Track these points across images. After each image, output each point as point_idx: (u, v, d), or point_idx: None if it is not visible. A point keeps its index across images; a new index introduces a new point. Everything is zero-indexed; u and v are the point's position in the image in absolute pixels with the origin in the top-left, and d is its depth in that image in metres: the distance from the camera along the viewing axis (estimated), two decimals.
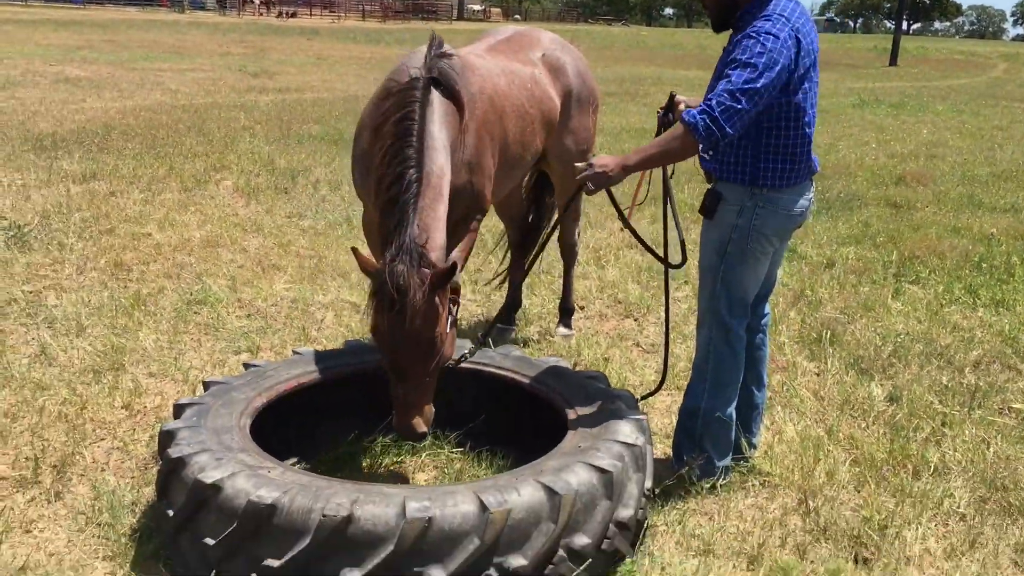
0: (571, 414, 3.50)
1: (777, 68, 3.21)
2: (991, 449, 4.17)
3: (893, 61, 44.86)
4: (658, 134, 3.86)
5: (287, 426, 3.73)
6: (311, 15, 69.07)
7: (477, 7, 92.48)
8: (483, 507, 2.78)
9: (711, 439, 3.75)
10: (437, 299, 3.32)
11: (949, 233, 8.21)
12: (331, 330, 5.39)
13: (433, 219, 3.53)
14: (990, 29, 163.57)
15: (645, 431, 3.38)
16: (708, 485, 3.71)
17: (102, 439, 4.00)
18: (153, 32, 36.30)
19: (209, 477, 2.89)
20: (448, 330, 3.43)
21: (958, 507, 3.69)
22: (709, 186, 3.66)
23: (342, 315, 5.63)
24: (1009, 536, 3.50)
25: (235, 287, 6.02)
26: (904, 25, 57.64)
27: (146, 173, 9.30)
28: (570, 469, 3.00)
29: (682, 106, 3.88)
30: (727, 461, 3.82)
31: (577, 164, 3.55)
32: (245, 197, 8.66)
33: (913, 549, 3.39)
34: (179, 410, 3.41)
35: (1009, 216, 9.13)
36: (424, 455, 3.93)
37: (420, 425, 3.38)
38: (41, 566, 3.11)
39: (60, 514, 3.44)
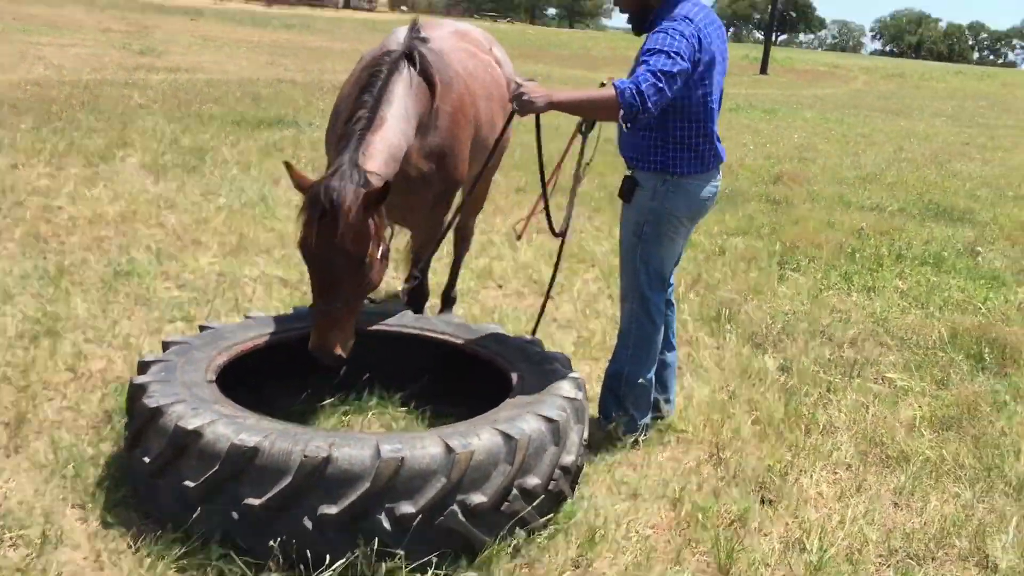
0: (514, 374, 3.84)
1: (686, 60, 3.61)
2: (870, 411, 4.74)
3: (763, 70, 47.00)
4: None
5: (242, 386, 3.93)
6: None
7: None
8: (449, 449, 3.08)
9: (633, 400, 4.17)
10: (372, 222, 3.40)
11: (824, 227, 8.95)
12: (263, 302, 5.56)
13: (379, 148, 3.61)
14: (850, 43, 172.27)
15: (582, 388, 3.75)
16: (632, 440, 4.13)
17: (51, 399, 4.10)
18: (26, 5, 34.63)
19: (190, 424, 3.08)
20: (379, 257, 3.53)
21: (845, 458, 4.21)
22: (627, 173, 4.05)
23: (272, 288, 5.81)
24: (888, 482, 4.04)
25: (160, 260, 6.11)
26: (772, 36, 60.20)
27: (45, 148, 9.13)
28: (522, 418, 3.34)
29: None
30: (647, 419, 4.25)
31: (511, 85, 3.68)
32: (153, 174, 8.64)
33: (809, 492, 3.88)
34: (144, 367, 3.57)
35: (875, 214, 9.97)
36: (370, 414, 4.19)
37: (337, 348, 3.45)
38: (11, 513, 3.24)
39: (23, 467, 3.55)
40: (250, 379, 3.98)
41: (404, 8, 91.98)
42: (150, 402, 3.24)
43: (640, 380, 4.16)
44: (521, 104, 3.54)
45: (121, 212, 7.17)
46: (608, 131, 4.10)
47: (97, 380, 4.32)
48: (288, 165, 3.50)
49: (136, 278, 5.71)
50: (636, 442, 4.14)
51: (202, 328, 4.04)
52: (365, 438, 3.11)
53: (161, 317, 5.17)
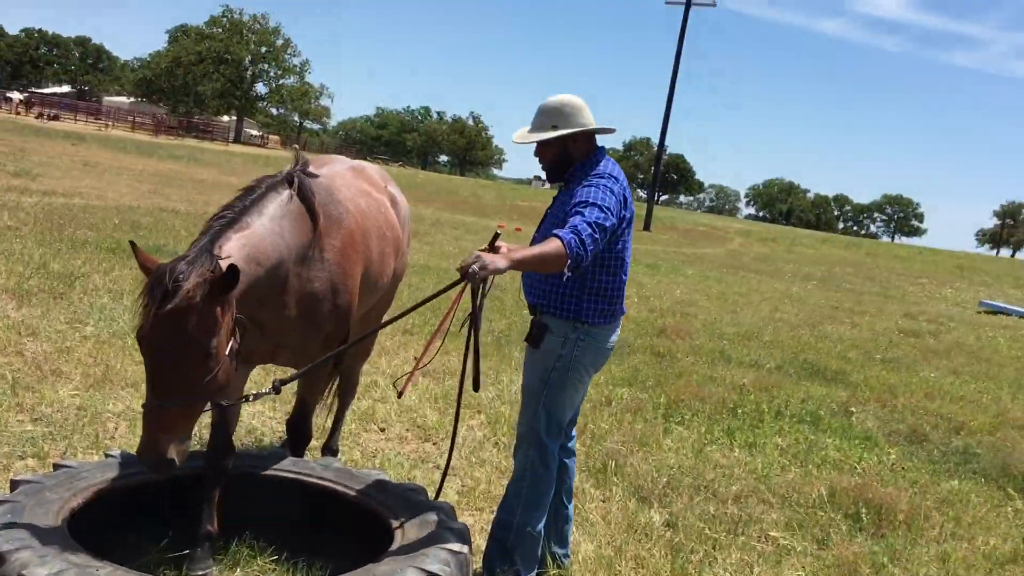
0: (395, 523, 3.64)
1: (615, 216, 3.69)
2: (754, 571, 4.68)
3: (647, 227, 49.01)
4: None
5: (100, 532, 3.60)
6: (75, 120, 66.25)
7: (255, 132, 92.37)
8: None
9: (521, 552, 4.00)
10: (219, 310, 3.10)
11: (707, 381, 9.09)
12: (125, 439, 5.20)
13: (237, 243, 3.36)
14: (727, 206, 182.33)
15: (467, 540, 3.58)
16: None
17: None
18: None
19: (35, 574, 2.78)
20: (226, 354, 3.18)
21: None
22: (533, 317, 4.03)
23: (136, 425, 5.45)
24: None
25: (15, 391, 5.69)
26: (655, 195, 63.23)
27: None
28: (402, 572, 3.14)
29: (503, 248, 4.30)
30: (534, 575, 4.07)
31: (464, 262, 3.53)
32: (16, 299, 8.18)
33: None
34: None
35: (754, 370, 10.22)
36: (238, 569, 3.88)
37: (170, 451, 3.05)
38: None
39: None
40: (110, 524, 3.67)
41: (296, 146, 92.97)
42: None
43: (530, 530, 4.01)
44: (483, 270, 3.40)
45: None
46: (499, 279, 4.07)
47: None
48: (134, 245, 3.17)
49: None
50: None
51: (56, 466, 3.72)
52: None
53: (11, 453, 4.76)
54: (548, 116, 3.95)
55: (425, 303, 3.84)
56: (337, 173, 4.58)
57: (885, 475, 6.69)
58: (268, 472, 4.05)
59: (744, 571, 4.66)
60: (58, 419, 5.36)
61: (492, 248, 4.32)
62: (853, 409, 8.70)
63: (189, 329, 3.00)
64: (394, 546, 3.44)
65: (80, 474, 3.63)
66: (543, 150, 4.02)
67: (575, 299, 3.89)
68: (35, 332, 7.17)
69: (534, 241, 4.07)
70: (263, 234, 3.50)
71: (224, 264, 3.12)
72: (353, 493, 3.93)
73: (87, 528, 3.48)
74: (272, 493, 3.96)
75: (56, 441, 5.00)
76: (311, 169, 4.05)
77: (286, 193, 3.71)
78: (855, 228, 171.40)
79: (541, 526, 4.05)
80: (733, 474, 6.26)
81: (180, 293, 2.96)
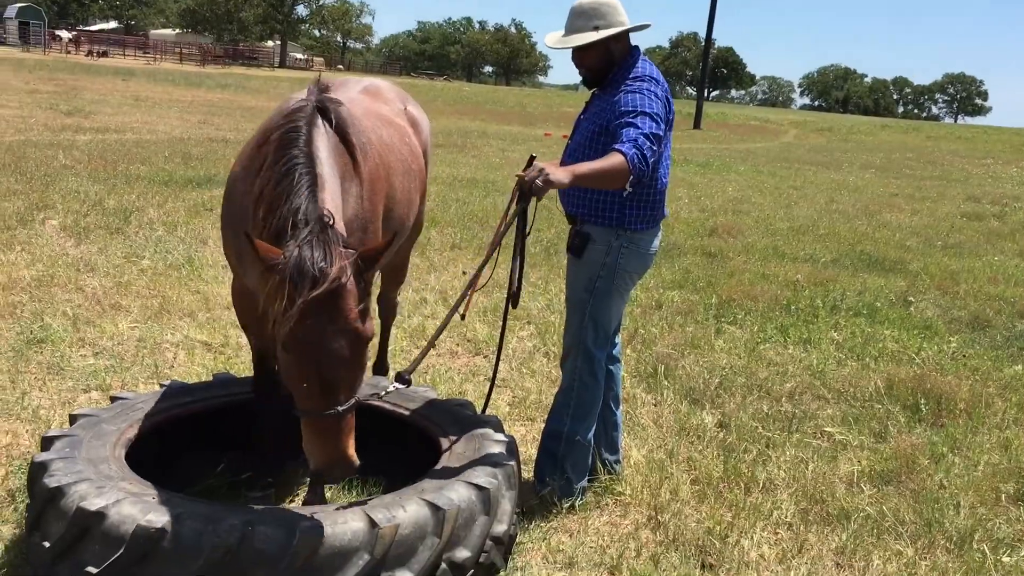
0: (443, 439, 3.69)
1: (662, 121, 3.61)
2: (809, 467, 4.66)
3: (697, 125, 47.94)
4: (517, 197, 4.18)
5: (156, 458, 3.72)
6: (124, 55, 66.61)
7: (300, 55, 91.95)
8: (372, 524, 2.92)
9: (571, 461, 4.03)
10: (363, 290, 2.79)
11: (759, 279, 8.98)
12: (184, 368, 5.34)
13: (332, 204, 2.97)
14: (780, 98, 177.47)
15: (514, 452, 3.62)
16: (567, 504, 3.99)
17: None
18: None
19: (92, 505, 2.87)
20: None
21: (785, 517, 4.11)
22: (573, 227, 3.97)
23: (194, 353, 5.58)
24: (830, 541, 3.95)
25: (77, 326, 5.85)
26: (704, 92, 61.62)
27: None
28: (451, 487, 3.19)
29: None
30: (584, 482, 4.11)
31: (520, 174, 3.38)
32: (74, 237, 8.35)
33: (751, 555, 3.77)
34: (48, 443, 3.35)
35: (809, 265, 10.06)
36: (297, 488, 3.99)
37: (355, 454, 2.83)
38: None
39: None
40: (166, 452, 3.79)
41: (340, 67, 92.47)
42: (51, 481, 3.03)
43: (580, 439, 4.04)
44: (545, 185, 3.26)
45: (37, 276, 6.88)
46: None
47: (1, 457, 4.05)
48: (249, 237, 2.73)
49: (50, 345, 5.44)
50: (572, 507, 4.00)
51: (113, 399, 3.83)
52: (283, 515, 2.92)
53: (75, 387, 4.91)
54: (586, 17, 3.77)
55: (504, 229, 3.75)
56: (354, 99, 4.10)
57: (945, 364, 6.58)
58: None
59: (799, 468, 4.65)
60: (119, 351, 5.51)
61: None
62: (912, 299, 8.54)
63: (355, 322, 2.68)
64: (442, 461, 3.49)
65: (136, 405, 3.73)
66: (584, 55, 3.83)
67: (617, 206, 3.81)
68: (94, 268, 7.33)
69: (569, 149, 3.99)
70: (336, 189, 3.14)
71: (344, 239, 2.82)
72: (403, 411, 3.98)
73: (145, 456, 3.61)
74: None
75: (117, 373, 5.14)
76: (333, 94, 3.66)
77: (323, 127, 3.29)
78: (915, 111, 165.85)
79: (591, 435, 4.07)
80: (787, 371, 6.22)
81: (338, 286, 2.62)
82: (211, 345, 5.76)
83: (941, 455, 4.91)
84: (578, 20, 3.79)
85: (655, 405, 5.43)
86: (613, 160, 3.38)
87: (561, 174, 3.31)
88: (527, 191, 3.35)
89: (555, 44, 3.85)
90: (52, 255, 7.57)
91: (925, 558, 3.84)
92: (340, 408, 2.74)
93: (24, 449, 4.11)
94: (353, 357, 2.71)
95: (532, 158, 4.17)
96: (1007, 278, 10.18)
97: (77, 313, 6.09)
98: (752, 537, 3.90)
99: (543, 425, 4.27)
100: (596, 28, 3.74)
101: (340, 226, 2.89)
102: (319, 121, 3.25)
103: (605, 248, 3.86)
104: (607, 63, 3.82)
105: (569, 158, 3.92)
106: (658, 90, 3.71)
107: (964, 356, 6.80)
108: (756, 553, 3.79)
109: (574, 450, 4.03)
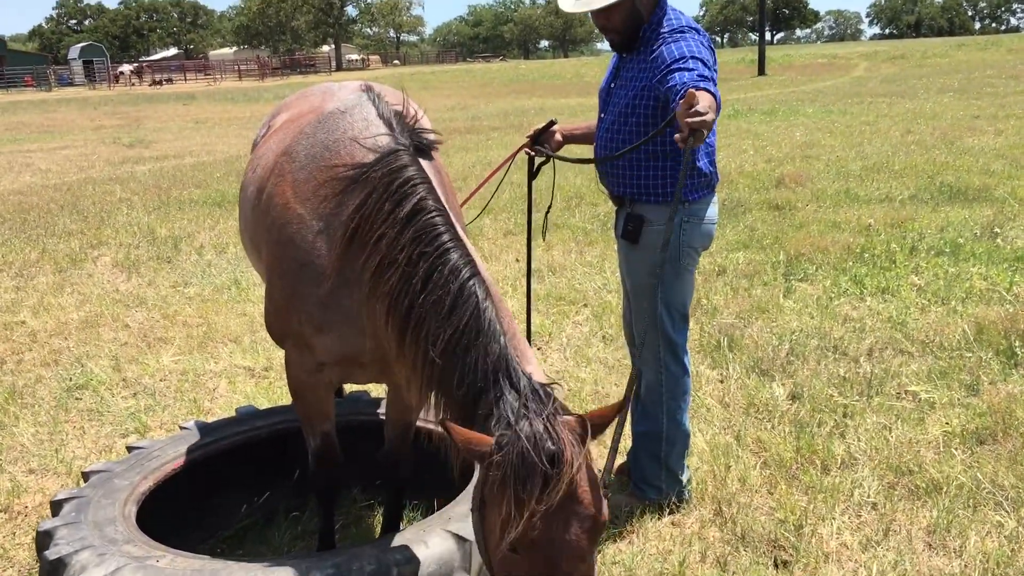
0: None
1: (711, 69, 3.22)
2: (893, 434, 4.23)
3: (761, 71, 46.55)
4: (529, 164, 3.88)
5: (183, 505, 3.53)
6: (186, 80, 68.10)
7: (355, 56, 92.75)
8: (389, 566, 2.65)
9: (675, 456, 3.71)
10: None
11: (830, 228, 8.43)
12: (225, 399, 5.17)
13: (523, 344, 2.44)
14: (848, 31, 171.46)
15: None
16: (639, 508, 3.67)
17: None
18: (19, 114, 35.11)
19: (94, 575, 2.68)
20: None
21: (868, 496, 3.71)
22: (623, 210, 3.61)
23: (236, 382, 5.41)
24: (920, 519, 3.54)
25: (118, 366, 5.74)
26: (768, 36, 59.78)
27: (17, 259, 8.86)
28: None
29: (558, 135, 3.90)
30: (687, 470, 3.79)
31: (681, 112, 2.69)
32: (126, 271, 8.32)
33: (830, 545, 3.39)
34: (57, 507, 3.18)
35: (884, 206, 9.44)
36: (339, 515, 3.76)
37: None
38: None
39: None
40: (191, 495, 3.59)
41: (396, 62, 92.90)
42: (51, 553, 2.84)
43: (679, 431, 3.71)
44: (706, 131, 2.70)
45: (85, 318, 6.82)
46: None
47: (33, 518, 3.92)
48: (447, 425, 2.21)
49: (90, 390, 5.34)
50: (630, 510, 3.67)
51: (129, 449, 3.65)
52: (294, 567, 2.67)
53: (113, 432, 4.78)
54: None
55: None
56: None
57: None
58: (344, 417, 3.87)
59: (881, 436, 4.22)
60: (160, 388, 5.37)
61: (547, 132, 3.93)
62: (998, 229, 7.89)
63: (589, 506, 2.15)
64: (474, 480, 3.19)
65: (151, 454, 3.54)
66: (609, 16, 3.41)
67: (671, 178, 3.42)
68: (142, 301, 7.26)
69: (605, 123, 3.59)
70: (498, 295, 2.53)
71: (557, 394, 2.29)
72: (435, 425, 3.70)
73: (179, 499, 3.44)
74: (351, 438, 3.78)
75: (156, 412, 5.00)
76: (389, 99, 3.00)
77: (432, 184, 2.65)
78: (993, 25, 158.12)
79: (687, 421, 3.73)
80: (865, 326, 5.75)
81: (569, 473, 2.07)
82: (253, 370, 5.59)
83: None
84: None
85: (720, 382, 5.04)
86: (711, 98, 2.83)
87: (709, 113, 2.69)
88: (699, 131, 2.69)
89: (573, 8, 3.42)
90: (101, 294, 7.52)
91: None
92: None
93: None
94: (591, 547, 2.18)
95: (552, 122, 3.85)
96: None
97: (119, 352, 5.99)
98: (831, 523, 3.52)
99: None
100: None
101: (535, 369, 2.36)
102: (417, 160, 2.66)
103: (664, 227, 3.47)
104: (635, 21, 3.39)
105: (607, 133, 3.55)
106: (703, 40, 3.32)
107: None
108: (836, 542, 3.41)
109: (676, 444, 3.70)
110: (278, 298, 2.82)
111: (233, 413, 4.57)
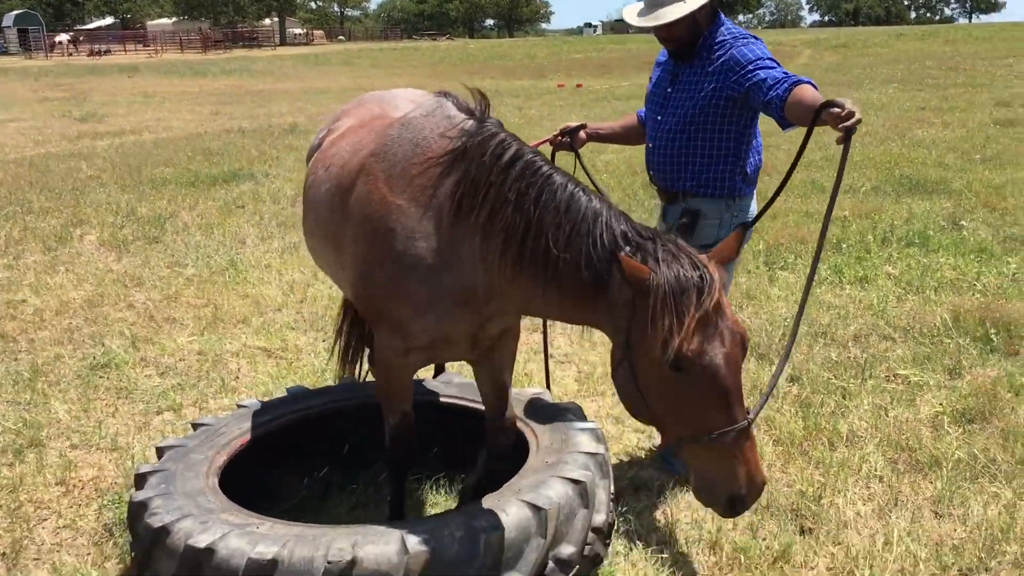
0: (527, 432, 3.66)
1: None
2: (890, 414, 4.61)
3: None
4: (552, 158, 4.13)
5: (244, 481, 3.73)
6: (125, 51, 66.51)
7: (298, 31, 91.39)
8: (477, 532, 2.91)
9: None
10: None
11: (805, 219, 8.84)
12: (249, 378, 5.35)
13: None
14: (789, 18, 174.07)
15: (602, 439, 3.58)
16: (657, 483, 3.97)
17: (46, 519, 3.87)
18: None
19: (200, 541, 2.87)
20: None
21: (875, 471, 4.07)
22: (677, 205, 3.84)
23: (256, 362, 5.59)
24: (924, 490, 3.91)
25: (136, 345, 5.87)
26: None
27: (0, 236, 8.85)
28: (547, 484, 3.16)
29: (582, 134, 4.16)
30: None
31: (836, 110, 2.87)
32: (115, 251, 8.38)
33: (847, 514, 3.74)
34: (142, 479, 3.36)
35: (850, 197, 9.89)
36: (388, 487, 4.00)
37: None
38: None
39: None
40: (251, 471, 3.80)
41: (341, 37, 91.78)
42: (154, 521, 3.03)
43: None
44: (859, 121, 2.89)
45: (88, 297, 6.91)
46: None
47: (90, 491, 4.09)
48: (614, 253, 2.54)
49: (114, 369, 5.47)
50: (661, 485, 3.98)
51: (195, 426, 3.83)
52: (389, 532, 2.91)
53: (147, 409, 4.94)
54: None
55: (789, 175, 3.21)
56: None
57: (1008, 288, 6.47)
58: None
59: (879, 416, 4.60)
60: (182, 368, 5.53)
61: (573, 136, 4.18)
62: (964, 223, 8.37)
63: (736, 321, 2.52)
64: (531, 456, 3.46)
65: (219, 430, 3.73)
66: (673, 28, 3.62)
67: (729, 175, 3.69)
68: (140, 281, 7.35)
69: (664, 128, 3.79)
70: None
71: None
72: (478, 405, 3.96)
73: (233, 479, 3.63)
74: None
75: (185, 391, 5.16)
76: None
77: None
78: (928, 15, 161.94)
79: None
80: (848, 313, 6.14)
81: (718, 283, 2.46)
82: (271, 351, 5.77)
83: (1021, 386, 4.83)
84: None
85: None
86: (815, 91, 3.17)
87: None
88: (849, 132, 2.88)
89: (643, 23, 3.62)
90: (97, 273, 7.59)
91: None
92: (748, 422, 2.51)
93: (111, 481, 4.14)
94: (741, 363, 2.53)
95: (583, 125, 4.07)
96: None
97: (134, 332, 6.11)
98: (845, 495, 3.87)
99: (614, 400, 4.22)
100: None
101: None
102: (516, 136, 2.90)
103: (718, 222, 3.72)
104: (696, 32, 3.64)
105: (668, 134, 3.77)
106: (764, 45, 3.61)
107: None
108: (852, 511, 3.76)
109: None
110: (380, 285, 3.00)
111: (273, 392, 4.79)
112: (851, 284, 6.79)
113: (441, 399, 4.09)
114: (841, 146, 2.87)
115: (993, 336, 5.49)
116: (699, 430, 2.49)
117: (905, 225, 8.37)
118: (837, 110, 2.86)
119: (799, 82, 3.27)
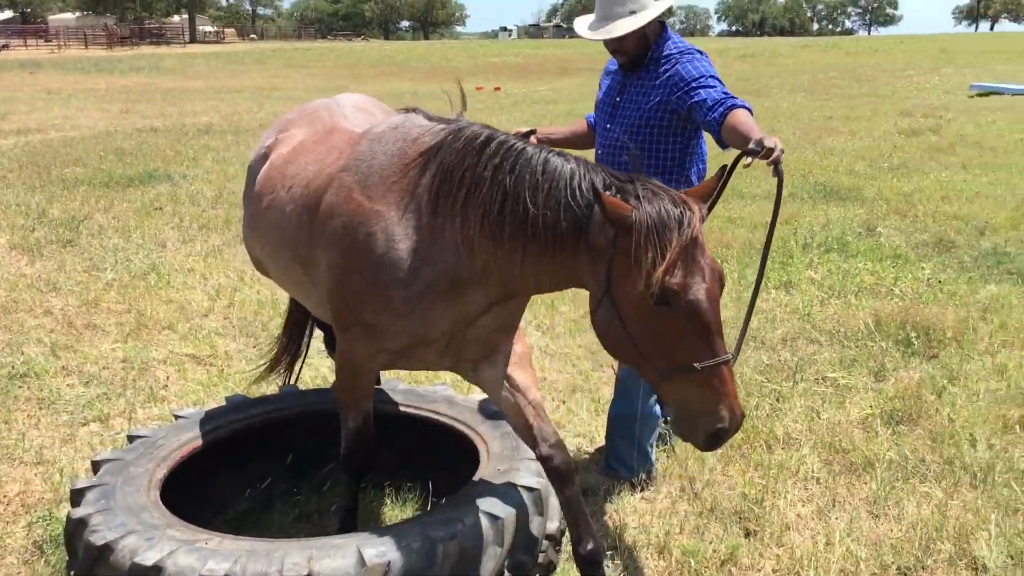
0: (477, 439, 3.65)
1: None
2: (822, 416, 4.73)
3: None
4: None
5: (183, 492, 3.62)
6: (27, 46, 64.03)
7: (209, 28, 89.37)
8: (435, 542, 2.88)
9: (648, 434, 4.07)
10: None
11: (728, 224, 9.03)
12: (178, 387, 5.19)
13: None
14: (698, 27, 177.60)
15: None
16: (604, 488, 4.00)
17: None
18: None
19: (147, 559, 2.77)
20: None
21: (812, 472, 4.17)
22: None
23: (184, 370, 5.43)
24: (860, 491, 4.03)
25: (55, 353, 5.64)
26: None
27: None
28: (503, 492, 3.15)
29: (533, 139, 4.17)
30: (655, 446, 4.15)
31: (755, 148, 3.00)
32: (27, 254, 8.05)
33: (789, 515, 3.82)
34: (78, 495, 3.23)
35: (769, 202, 10.12)
36: (333, 497, 3.93)
37: None
38: None
39: None
40: (190, 482, 3.69)
41: (253, 36, 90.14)
42: (95, 539, 2.91)
43: (653, 410, 4.06)
44: (782, 152, 3.04)
45: (1, 303, 6.62)
46: None
47: (16, 507, 3.91)
48: (598, 192, 2.54)
49: (34, 378, 5.25)
50: (607, 490, 4.01)
51: (131, 438, 3.70)
52: (344, 544, 2.86)
53: (72, 420, 4.75)
54: (620, 2, 3.62)
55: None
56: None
57: (924, 293, 6.71)
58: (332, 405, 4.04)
59: (812, 417, 4.72)
60: (107, 376, 5.33)
61: (526, 138, 4.17)
62: (879, 228, 8.66)
63: (712, 258, 2.60)
64: (482, 464, 3.45)
65: (156, 442, 3.61)
66: (624, 41, 3.69)
67: (675, 183, 3.72)
68: (56, 286, 7.08)
69: (611, 137, 3.85)
70: None
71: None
72: (428, 414, 3.93)
73: (174, 492, 3.52)
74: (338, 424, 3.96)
75: (112, 400, 4.98)
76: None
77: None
78: (830, 27, 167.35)
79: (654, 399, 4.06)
80: (776, 317, 6.29)
81: (697, 217, 2.51)
82: (199, 358, 5.62)
83: (943, 388, 5.01)
84: (613, 6, 3.65)
85: None
86: (751, 116, 3.31)
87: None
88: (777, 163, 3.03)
89: (595, 36, 3.67)
90: (9, 277, 7.28)
91: (954, 497, 3.93)
92: (729, 357, 2.55)
93: (39, 496, 3.97)
94: (719, 298, 2.58)
95: (532, 131, 4.08)
96: (957, 195, 10.41)
97: (53, 340, 5.88)
98: (786, 497, 3.95)
99: (565, 409, 4.25)
100: (632, 12, 3.61)
101: None
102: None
103: None
104: (645, 45, 3.73)
105: (614, 144, 3.83)
106: (708, 60, 3.69)
107: (939, 282, 6.96)
108: (793, 513, 3.85)
109: (649, 422, 4.06)
110: (357, 293, 2.94)
111: (205, 401, 4.67)
112: (776, 288, 6.95)
113: (385, 407, 4.03)
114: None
115: (914, 339, 5.69)
116: (685, 362, 2.53)
117: (823, 231, 8.62)
118: (756, 151, 2.97)
119: (734, 106, 3.37)
